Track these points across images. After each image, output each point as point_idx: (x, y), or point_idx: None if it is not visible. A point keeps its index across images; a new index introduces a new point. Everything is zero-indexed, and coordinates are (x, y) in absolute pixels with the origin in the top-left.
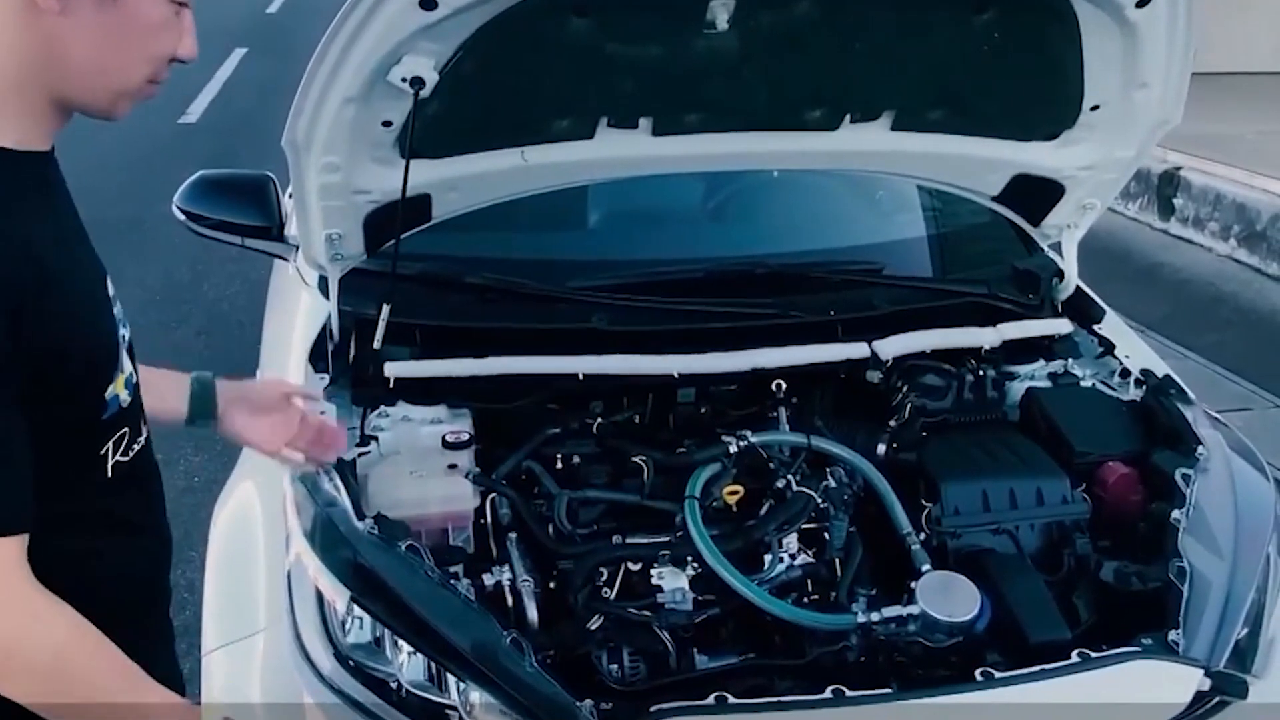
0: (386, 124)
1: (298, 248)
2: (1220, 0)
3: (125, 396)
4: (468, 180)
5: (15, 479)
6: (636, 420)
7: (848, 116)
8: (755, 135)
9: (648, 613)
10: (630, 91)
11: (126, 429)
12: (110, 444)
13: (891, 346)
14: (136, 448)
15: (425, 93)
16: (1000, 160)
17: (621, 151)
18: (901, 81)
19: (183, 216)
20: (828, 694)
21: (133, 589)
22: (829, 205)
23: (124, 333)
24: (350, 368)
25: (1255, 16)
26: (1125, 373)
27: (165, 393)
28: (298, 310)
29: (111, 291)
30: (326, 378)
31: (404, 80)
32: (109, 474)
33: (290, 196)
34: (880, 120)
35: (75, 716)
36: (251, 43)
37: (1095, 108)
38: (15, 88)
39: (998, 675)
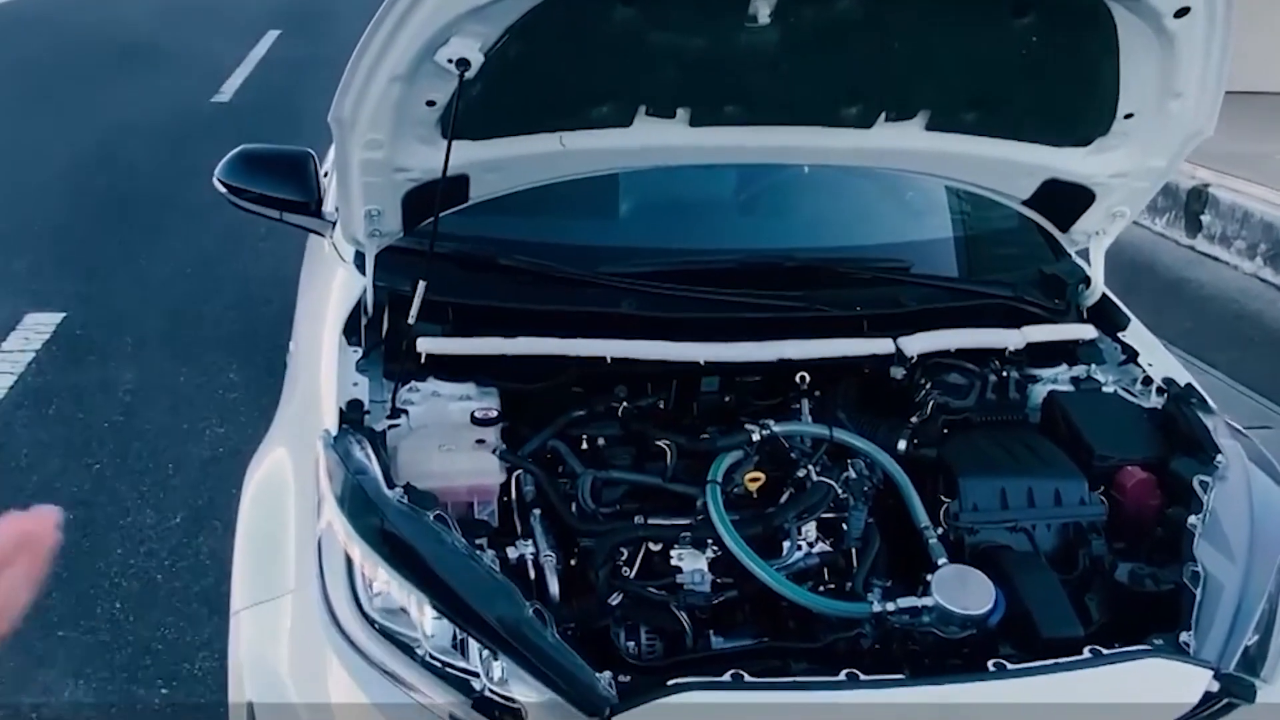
0: (430, 104)
1: (334, 224)
2: (1255, 19)
3: None
4: (506, 162)
5: None
6: (661, 406)
7: (883, 115)
8: (791, 130)
9: (666, 592)
10: (670, 81)
11: None
12: None
13: (916, 344)
14: None
15: (470, 74)
16: (1033, 164)
17: (658, 140)
18: (938, 82)
19: (224, 189)
20: (841, 677)
21: None
22: (859, 203)
23: None
24: (383, 342)
25: None
26: (1148, 380)
27: None
28: (332, 285)
29: None
30: (359, 351)
31: (450, 61)
32: None
33: (328, 174)
34: (915, 120)
35: None
36: (285, 24)
37: (1129, 116)
38: None
39: (1009, 667)
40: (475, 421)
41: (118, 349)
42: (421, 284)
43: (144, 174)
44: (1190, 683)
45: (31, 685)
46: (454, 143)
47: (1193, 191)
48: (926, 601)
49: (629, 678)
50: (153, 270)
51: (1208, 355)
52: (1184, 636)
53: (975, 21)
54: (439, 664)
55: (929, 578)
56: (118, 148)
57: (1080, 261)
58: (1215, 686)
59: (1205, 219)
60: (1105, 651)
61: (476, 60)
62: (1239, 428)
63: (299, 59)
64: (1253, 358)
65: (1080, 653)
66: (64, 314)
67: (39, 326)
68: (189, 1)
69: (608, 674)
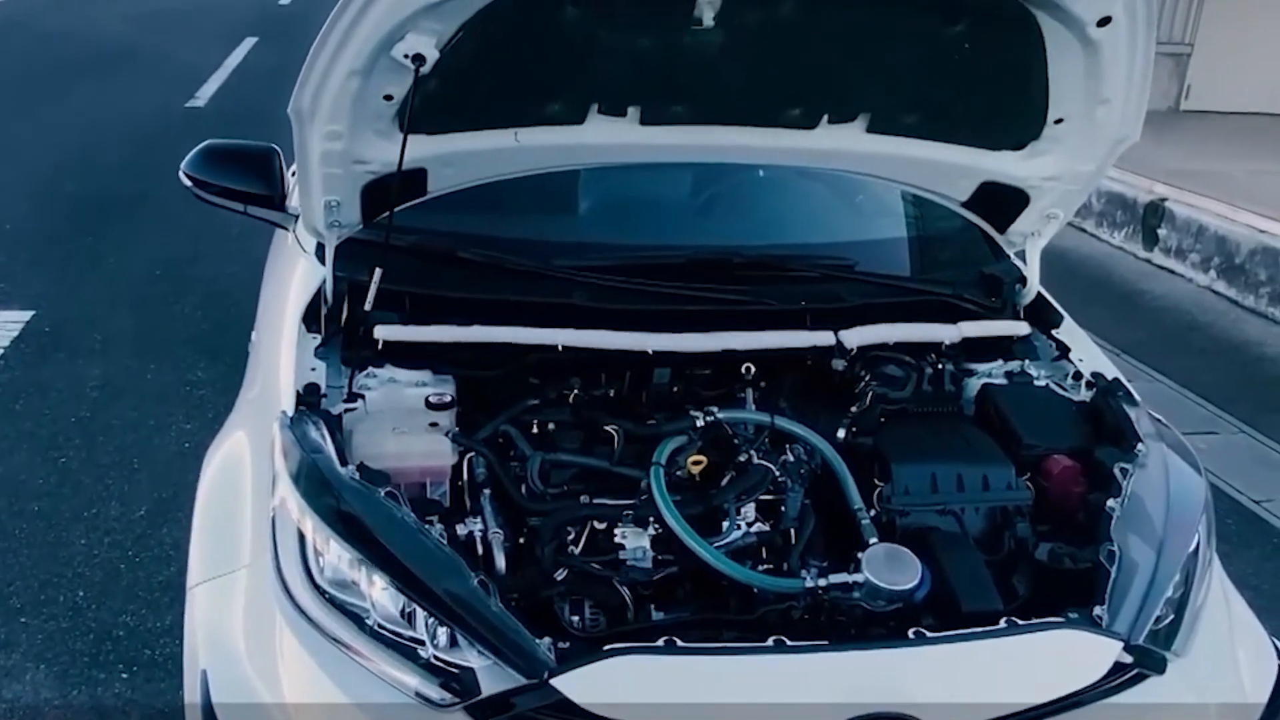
0: (388, 98)
1: (297, 217)
2: (1215, 43)
3: None
4: (462, 157)
5: None
6: (611, 395)
7: (825, 117)
8: (738, 130)
9: (609, 569)
10: (620, 80)
11: None
12: None
13: (857, 337)
14: None
15: (425, 69)
16: (970, 167)
17: (610, 138)
18: (877, 86)
19: (189, 183)
20: (769, 643)
21: None
22: (807, 204)
23: None
24: (341, 330)
25: (1249, 59)
26: (1078, 375)
27: None
28: (293, 276)
29: None
30: (318, 338)
31: (406, 56)
32: None
33: (294, 170)
34: (856, 122)
35: None
36: (262, 32)
37: (1059, 121)
38: None
39: (928, 635)
40: (430, 406)
41: (86, 347)
42: (378, 271)
43: (117, 176)
44: (1101, 653)
45: None
46: (411, 137)
47: (1150, 206)
48: (857, 578)
49: (568, 644)
50: (123, 270)
51: (1160, 364)
52: (1097, 611)
53: (911, 28)
54: (387, 633)
55: (860, 556)
56: (91, 150)
57: (1018, 262)
58: (1127, 659)
59: (1162, 233)
60: (1020, 622)
61: (432, 56)
62: (1160, 418)
63: (275, 66)
64: (1203, 367)
65: (997, 625)
66: (33, 312)
67: (7, 324)
68: (167, 8)
69: (548, 640)
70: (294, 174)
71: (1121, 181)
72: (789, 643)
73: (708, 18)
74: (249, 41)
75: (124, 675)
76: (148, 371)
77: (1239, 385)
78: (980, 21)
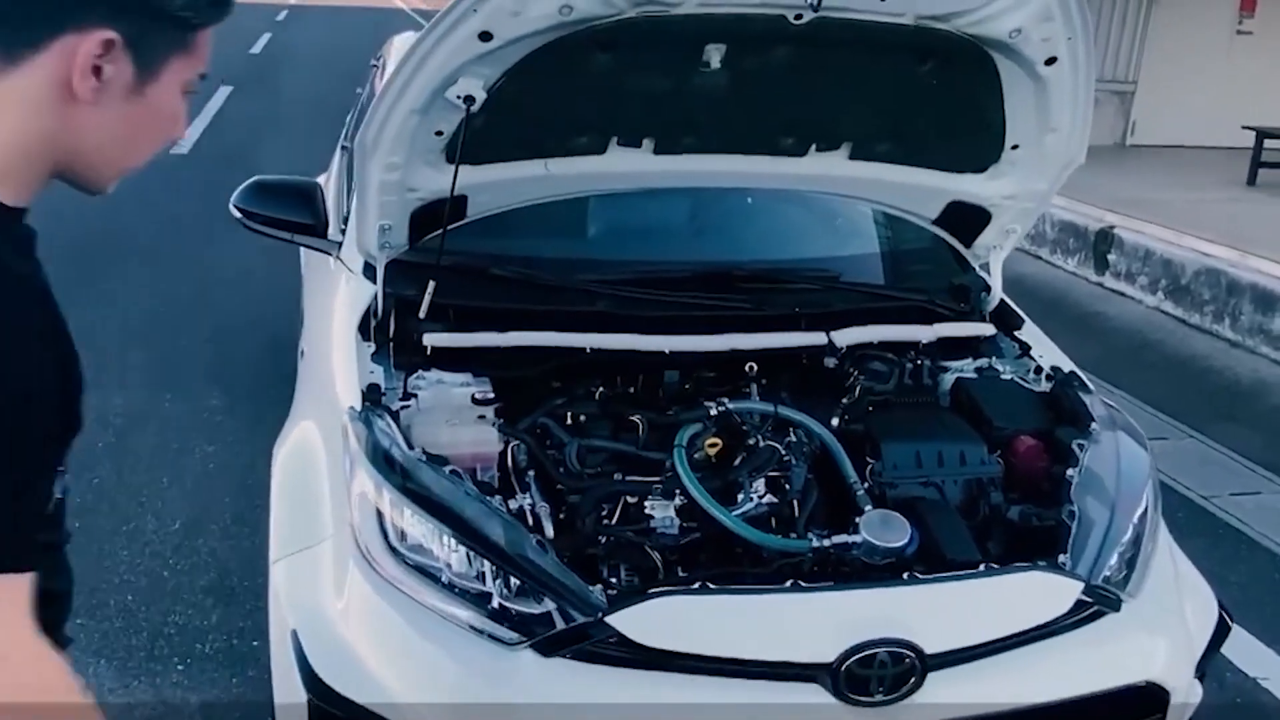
0: (438, 133)
1: (340, 244)
2: (1157, 81)
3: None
4: (498, 185)
5: (31, 523)
6: (631, 392)
7: (814, 145)
8: (738, 158)
9: (642, 536)
10: (637, 116)
11: (64, 468)
12: (57, 483)
13: (846, 337)
14: (66, 484)
15: (474, 108)
16: (938, 188)
17: (628, 167)
18: (857, 119)
19: (239, 214)
20: (786, 585)
21: (59, 623)
22: (798, 225)
23: None
24: (392, 340)
25: (1188, 96)
26: (1039, 369)
27: None
28: (337, 294)
29: None
30: (372, 346)
31: (458, 97)
32: (50, 509)
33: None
34: (840, 150)
35: None
36: (236, 81)
37: (1015, 146)
38: (26, 158)
39: (919, 576)
40: (476, 402)
41: (104, 381)
42: (431, 284)
43: (110, 222)
44: (1065, 592)
45: None
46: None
47: (1100, 233)
48: (855, 538)
49: (615, 592)
50: (129, 310)
51: (1115, 379)
52: (1061, 558)
53: (886, 68)
54: (459, 587)
55: (857, 520)
56: (84, 200)
57: (982, 273)
58: (1087, 598)
59: (1112, 258)
60: (996, 566)
61: (480, 96)
62: (1110, 403)
63: (253, 114)
64: (1153, 380)
65: (978, 569)
66: None
67: None
68: None
69: (599, 587)
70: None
71: (1073, 211)
72: (803, 584)
73: (714, 61)
74: (224, 90)
75: (179, 667)
76: (165, 401)
77: (1187, 396)
78: (945, 62)
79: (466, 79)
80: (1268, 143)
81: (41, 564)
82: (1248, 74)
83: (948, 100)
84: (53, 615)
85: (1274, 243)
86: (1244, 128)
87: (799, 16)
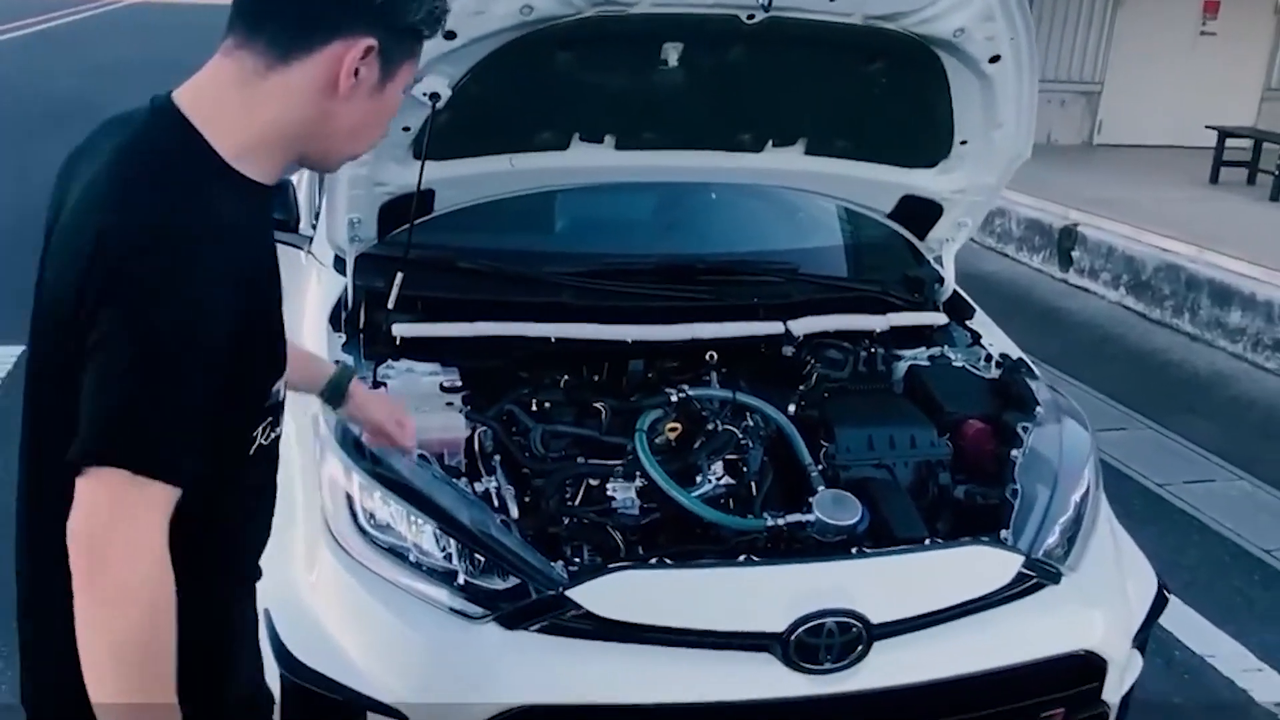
0: (406, 129)
1: (310, 238)
2: (1123, 82)
3: (282, 392)
4: (464, 179)
5: (194, 441)
6: (595, 380)
7: (770, 141)
8: (697, 153)
9: (603, 516)
10: (598, 112)
11: (273, 418)
12: (260, 428)
13: (802, 326)
14: (275, 434)
15: (440, 105)
16: (891, 183)
17: (590, 162)
18: (812, 115)
19: None
20: (740, 559)
21: (251, 558)
22: (758, 218)
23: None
24: (361, 330)
25: (1153, 97)
26: (989, 357)
27: (311, 369)
28: (309, 287)
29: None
30: (343, 337)
31: (425, 94)
32: (251, 453)
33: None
34: (796, 146)
35: (111, 683)
36: None
37: (964, 142)
38: (284, 142)
39: (867, 551)
40: (444, 390)
41: None
42: (399, 275)
43: None
44: (1006, 565)
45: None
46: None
47: (1064, 230)
48: (809, 517)
49: (577, 567)
50: None
51: (1077, 372)
52: (1004, 534)
53: (838, 66)
54: (426, 565)
55: (811, 500)
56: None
57: (936, 266)
58: (1028, 572)
59: (1076, 254)
60: (941, 541)
61: (445, 94)
62: (1055, 388)
63: None
64: (1114, 373)
65: (924, 543)
66: (22, 347)
67: (1, 358)
68: (115, 62)
69: (560, 563)
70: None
71: (1039, 209)
72: (756, 559)
73: (672, 59)
74: None
75: None
76: None
77: (1147, 388)
78: (894, 61)
79: (432, 76)
80: (1229, 142)
81: (187, 485)
82: (1211, 74)
83: (898, 97)
84: (253, 544)
85: (1233, 239)
86: (1207, 127)
87: (751, 16)
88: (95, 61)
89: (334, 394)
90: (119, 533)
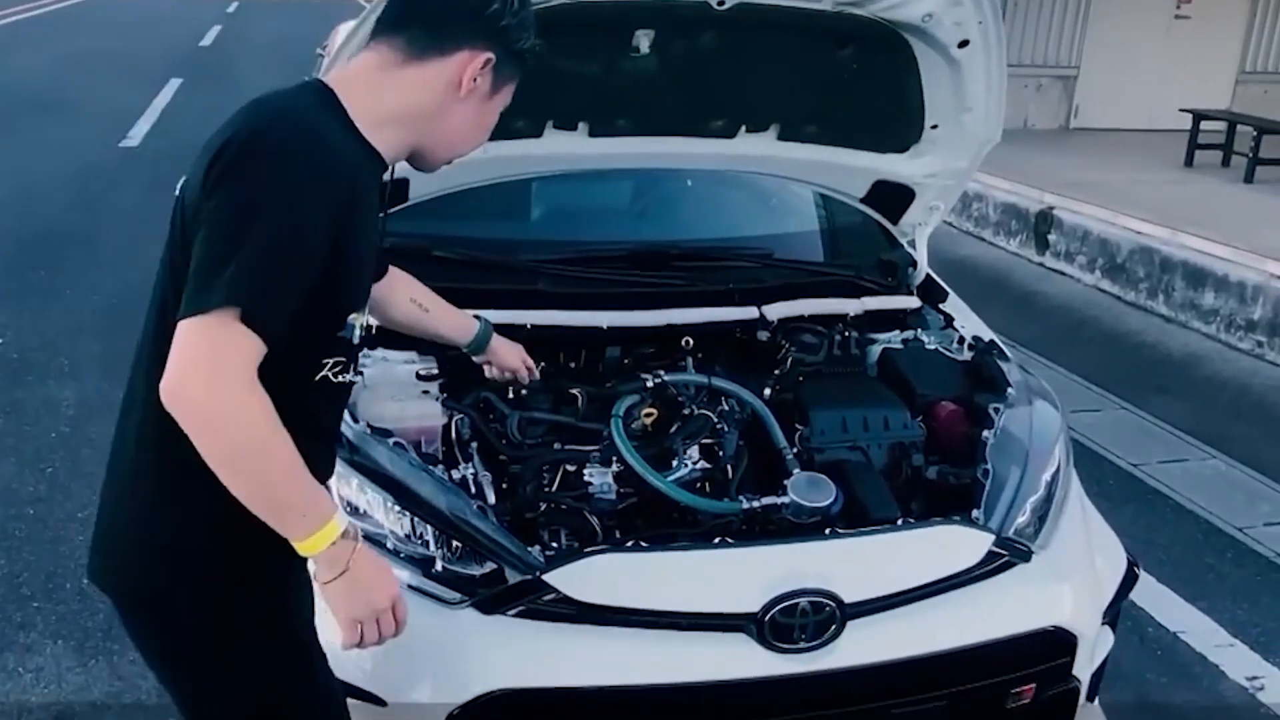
0: None
1: None
2: (1099, 66)
3: (357, 334)
4: None
5: (280, 304)
6: (572, 367)
7: (743, 127)
8: (670, 140)
9: (580, 501)
10: (571, 100)
11: (345, 358)
12: (330, 361)
13: (777, 310)
14: (344, 378)
15: None
16: (864, 168)
17: (563, 149)
18: (784, 100)
19: None
20: (715, 541)
21: None
22: (732, 204)
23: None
24: None
25: (1129, 81)
26: (961, 340)
27: (460, 324)
28: None
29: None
30: None
31: None
32: (317, 381)
33: None
34: (769, 131)
35: (245, 487)
36: (186, 73)
37: (935, 126)
38: (404, 123)
39: (841, 531)
40: (420, 378)
41: (55, 370)
42: None
43: (61, 216)
44: (976, 544)
45: (15, 645)
46: None
47: (1040, 214)
48: (784, 499)
49: (554, 551)
50: (80, 302)
51: (1054, 355)
52: (974, 513)
53: (809, 52)
54: (404, 553)
55: (786, 482)
56: (32, 192)
57: (909, 249)
58: (999, 550)
59: (1052, 238)
60: (912, 521)
61: None
62: (1026, 369)
63: (204, 106)
64: (1090, 355)
65: (896, 523)
66: None
67: None
68: (90, 51)
69: (537, 548)
70: None
71: (1016, 193)
72: (731, 541)
73: (644, 46)
74: (174, 82)
75: None
76: (118, 391)
77: (1122, 370)
78: (864, 46)
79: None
80: (1204, 125)
81: (274, 343)
82: (1186, 58)
83: (869, 82)
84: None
85: (1207, 221)
86: (1181, 110)
87: (721, 2)
88: (63, 52)
89: (477, 348)
90: (201, 367)
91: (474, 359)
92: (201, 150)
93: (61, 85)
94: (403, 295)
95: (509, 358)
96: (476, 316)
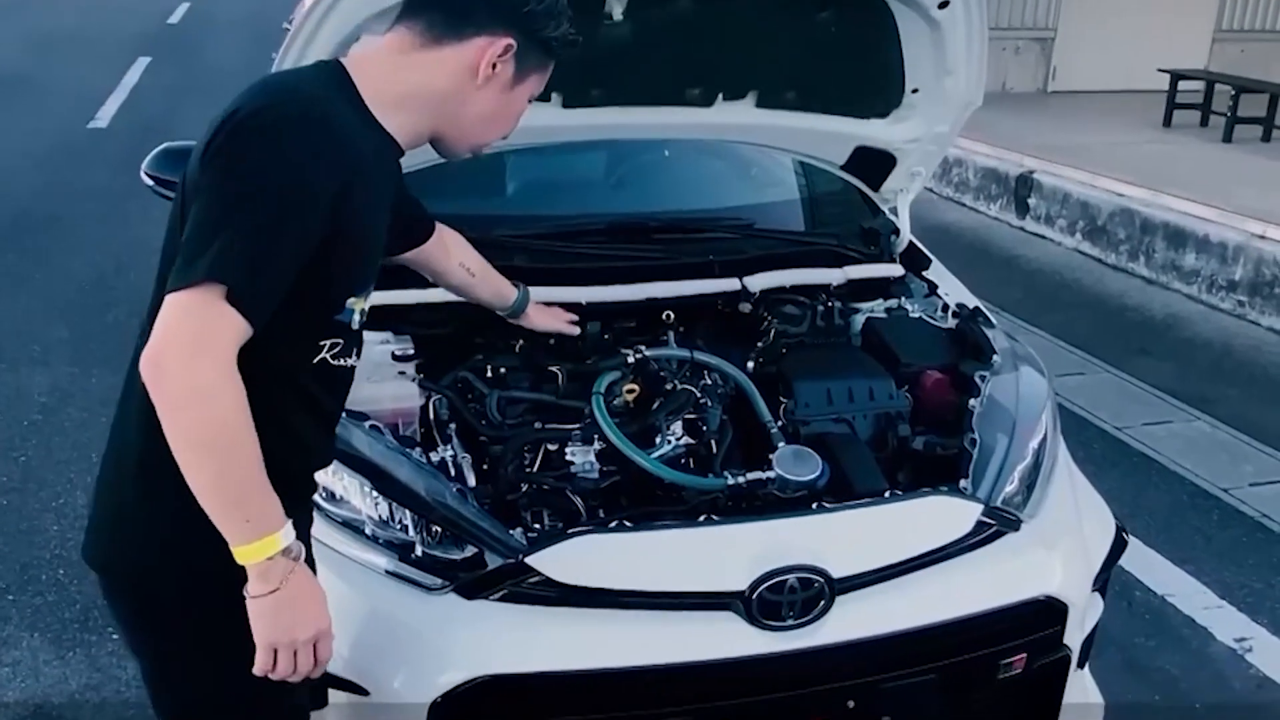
0: None
1: None
2: (1076, 28)
3: (357, 320)
4: None
5: (267, 286)
6: (552, 343)
7: (720, 95)
8: (646, 110)
9: (563, 481)
10: None
11: (342, 342)
12: (327, 343)
13: (758, 282)
14: (341, 363)
15: None
16: (844, 134)
17: (537, 121)
18: (762, 67)
19: (151, 182)
20: (700, 519)
21: (304, 467)
22: (711, 174)
23: (372, 289)
24: None
25: (1107, 42)
26: (945, 307)
27: (502, 290)
28: None
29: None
30: None
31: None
32: (313, 363)
33: None
34: (747, 99)
35: (200, 475)
36: (154, 51)
37: (915, 90)
38: (421, 107)
39: (827, 505)
40: (396, 359)
41: (26, 356)
42: None
43: (28, 200)
44: (965, 514)
45: None
46: None
47: (1020, 178)
48: (769, 474)
49: (536, 534)
50: (51, 287)
51: (1036, 319)
52: (962, 484)
53: (787, 16)
54: (383, 538)
55: (771, 457)
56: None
57: (891, 216)
58: (987, 520)
59: (1032, 202)
60: (900, 493)
61: None
62: (1011, 335)
63: (172, 85)
64: (1072, 319)
65: (884, 495)
66: None
67: None
68: (55, 30)
69: (519, 530)
70: None
71: (995, 157)
72: (716, 518)
73: (617, 13)
74: (143, 61)
75: (114, 637)
76: (91, 377)
77: (1104, 333)
78: (843, 8)
79: (369, 35)
80: (1181, 84)
81: (258, 326)
82: (1162, 17)
83: (848, 47)
84: (291, 454)
85: (1186, 182)
86: (1160, 70)
87: None
88: (28, 31)
89: (515, 313)
90: (182, 341)
91: (510, 321)
92: (206, 127)
93: (26, 65)
94: (455, 259)
95: (547, 320)
96: (515, 284)
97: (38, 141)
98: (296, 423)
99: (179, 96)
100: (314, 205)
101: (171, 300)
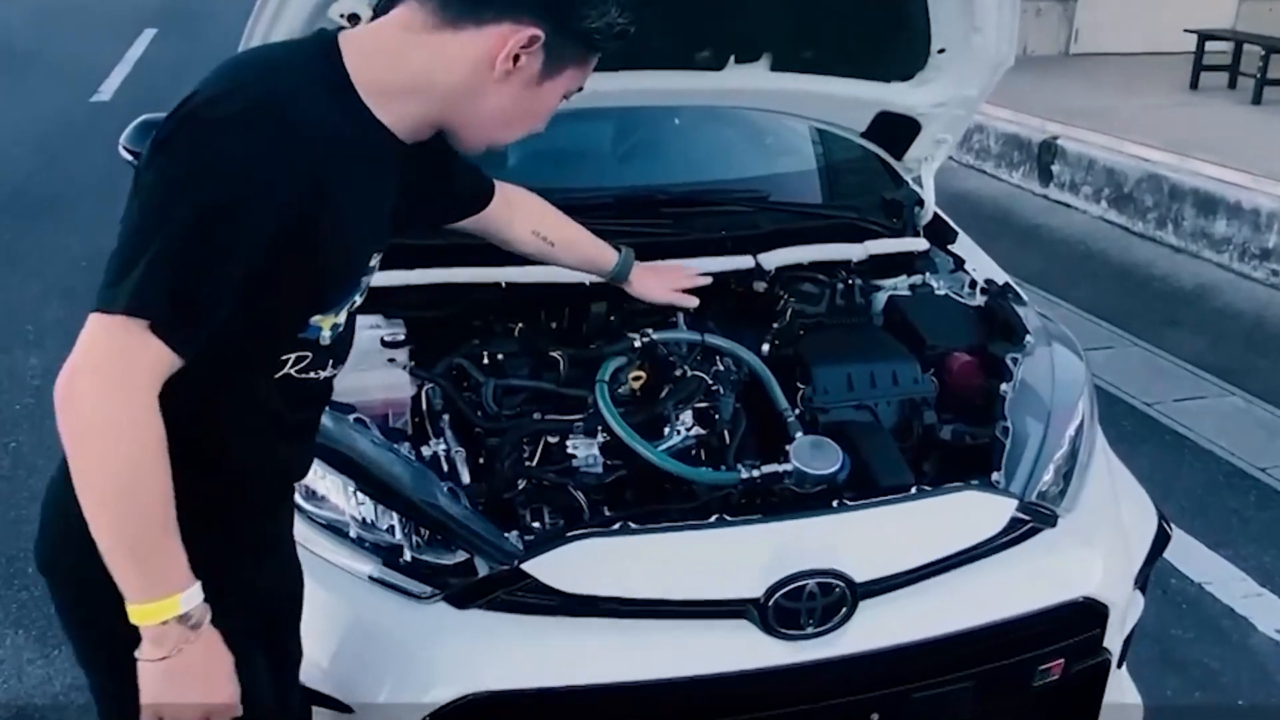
0: None
1: None
2: None
3: (325, 335)
4: None
5: (199, 313)
6: (554, 327)
7: (732, 57)
8: (654, 74)
9: (564, 476)
10: None
11: (311, 356)
12: (293, 357)
13: (774, 259)
14: (310, 376)
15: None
16: (865, 98)
17: None
18: (776, 26)
19: (130, 157)
20: (711, 520)
21: (277, 483)
22: (723, 144)
23: (356, 299)
24: None
25: (1129, 3)
26: (973, 283)
27: (594, 257)
28: None
29: (373, 263)
30: None
31: (342, 15)
32: (275, 378)
33: None
34: (760, 62)
35: (98, 517)
36: (160, 23)
37: (941, 50)
38: (425, 98)
39: (849, 503)
40: (385, 344)
41: (20, 338)
42: None
43: (28, 172)
44: (999, 510)
45: None
46: None
47: (1044, 144)
48: (786, 467)
49: (533, 537)
50: (47, 266)
51: (1060, 291)
52: (995, 477)
53: None
54: (369, 542)
55: (788, 448)
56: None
57: (915, 186)
58: (1022, 515)
59: (1055, 169)
60: (927, 488)
61: (366, 15)
62: (1044, 313)
63: (177, 58)
64: (1099, 290)
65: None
66: None
67: None
68: (59, 2)
69: (514, 533)
70: None
71: (1017, 123)
72: (728, 518)
73: None
74: (148, 33)
75: None
76: None
77: (1131, 304)
78: None
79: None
80: (1209, 45)
81: (188, 356)
82: None
83: (869, 4)
84: (259, 469)
85: (1216, 146)
86: (1186, 31)
87: None
88: (31, 3)
89: (619, 277)
90: (98, 368)
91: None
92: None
93: (29, 37)
94: (523, 228)
95: (654, 288)
96: (617, 247)
97: (40, 116)
98: (261, 439)
99: (185, 69)
100: (263, 213)
101: (94, 320)
